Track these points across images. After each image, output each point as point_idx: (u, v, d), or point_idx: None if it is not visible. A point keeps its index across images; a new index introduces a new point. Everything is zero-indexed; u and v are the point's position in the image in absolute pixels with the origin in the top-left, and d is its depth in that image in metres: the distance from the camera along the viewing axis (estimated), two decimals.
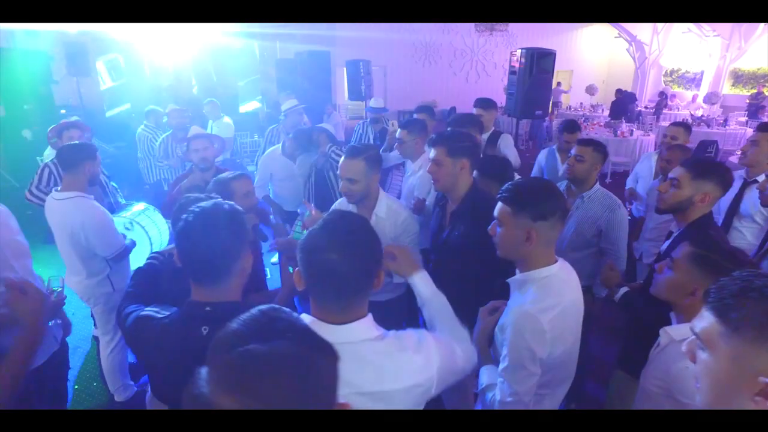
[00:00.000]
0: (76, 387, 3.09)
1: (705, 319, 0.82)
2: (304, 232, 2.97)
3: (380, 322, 1.11)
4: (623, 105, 10.61)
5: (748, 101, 10.73)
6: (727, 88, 12.30)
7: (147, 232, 3.20)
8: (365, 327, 1.06)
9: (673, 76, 13.45)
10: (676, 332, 1.34)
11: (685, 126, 3.48)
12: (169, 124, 5.05)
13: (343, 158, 2.09)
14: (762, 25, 10.91)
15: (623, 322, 2.49)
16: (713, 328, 0.80)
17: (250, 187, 2.42)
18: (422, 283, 1.38)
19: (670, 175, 2.00)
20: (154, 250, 2.91)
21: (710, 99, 11.28)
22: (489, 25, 12.66)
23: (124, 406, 2.86)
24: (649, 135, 8.45)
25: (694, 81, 12.99)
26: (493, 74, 13.18)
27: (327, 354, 0.72)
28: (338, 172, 2.13)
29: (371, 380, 1.02)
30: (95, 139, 4.41)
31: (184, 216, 1.24)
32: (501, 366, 1.35)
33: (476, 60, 13.04)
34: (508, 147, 3.56)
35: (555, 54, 4.93)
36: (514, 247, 1.38)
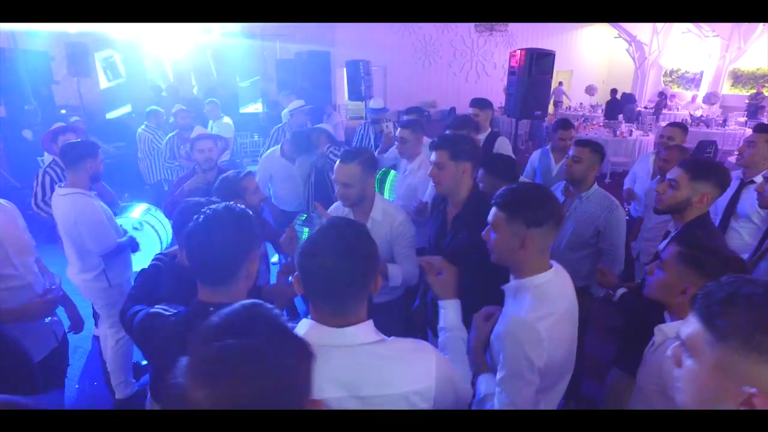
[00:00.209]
0: (76, 387, 3.09)
1: (691, 325, 0.81)
2: (305, 230, 2.98)
3: (377, 324, 1.11)
4: (618, 104, 10.62)
5: (747, 101, 10.74)
6: (726, 89, 12.31)
7: (157, 231, 3.24)
8: (364, 331, 1.06)
9: (673, 77, 13.47)
10: (670, 330, 1.35)
11: (681, 126, 3.49)
12: (176, 124, 5.08)
13: (338, 163, 2.08)
14: (761, 25, 10.91)
15: (621, 322, 2.49)
16: (699, 335, 0.79)
17: (257, 183, 2.54)
18: (454, 312, 1.45)
19: (669, 175, 2.00)
20: (163, 248, 2.95)
21: (710, 99, 11.30)
22: (489, 25, 12.67)
23: (124, 405, 2.87)
24: (648, 135, 8.45)
25: (694, 81, 13.01)
26: (492, 74, 13.19)
27: (301, 352, 0.73)
28: (333, 177, 2.11)
29: (369, 384, 1.02)
30: (93, 139, 4.41)
31: (195, 216, 1.26)
32: (498, 376, 1.34)
33: (476, 60, 13.05)
34: (505, 151, 3.56)
35: (554, 54, 4.94)
36: (508, 253, 1.37)
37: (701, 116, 9.95)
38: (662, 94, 11.44)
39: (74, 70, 6.86)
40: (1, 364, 1.48)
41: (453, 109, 11.66)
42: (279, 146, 3.90)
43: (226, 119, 6.12)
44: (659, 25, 12.36)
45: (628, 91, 12.60)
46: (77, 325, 2.31)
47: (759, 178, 2.67)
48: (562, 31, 13.41)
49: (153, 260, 1.76)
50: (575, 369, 1.47)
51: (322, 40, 9.69)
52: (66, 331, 2.30)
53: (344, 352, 1.03)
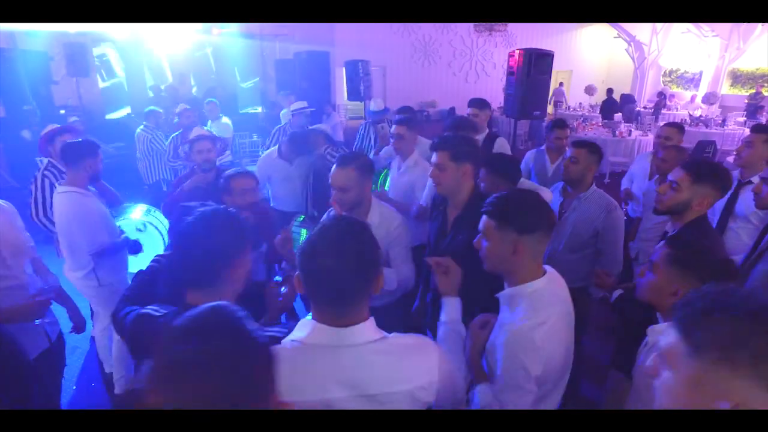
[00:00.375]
0: (74, 387, 3.09)
1: (670, 336, 0.79)
2: (303, 231, 2.97)
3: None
4: (614, 104, 10.63)
5: (746, 101, 10.75)
6: (725, 89, 12.33)
7: (161, 231, 3.25)
8: (367, 329, 1.05)
9: (672, 77, 13.48)
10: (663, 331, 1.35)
11: (678, 126, 3.49)
12: (180, 124, 5.09)
13: (334, 168, 2.06)
14: (761, 25, 10.93)
15: (618, 323, 2.50)
16: (676, 347, 0.77)
17: (249, 185, 2.43)
18: (454, 308, 1.48)
19: (670, 177, 1.99)
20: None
21: (709, 99, 11.31)
22: (488, 25, 12.66)
23: (123, 399, 2.84)
24: (647, 135, 8.46)
25: (693, 81, 13.02)
26: (492, 74, 13.18)
27: (261, 356, 0.74)
28: (329, 181, 2.09)
29: (377, 382, 1.02)
30: (92, 139, 4.40)
31: (185, 219, 1.27)
32: (496, 387, 1.33)
33: (475, 60, 13.04)
34: (504, 152, 3.56)
35: (552, 55, 4.95)
36: (500, 261, 1.37)
37: (700, 116, 9.96)
38: (661, 94, 11.46)
39: (73, 70, 6.86)
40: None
41: (452, 109, 11.65)
42: (276, 147, 3.90)
43: (225, 119, 6.11)
44: (658, 25, 12.37)
45: (627, 91, 12.63)
46: (79, 325, 2.30)
47: (756, 179, 2.67)
48: (562, 31, 13.41)
49: (152, 261, 1.76)
50: (574, 371, 1.47)
51: (321, 40, 9.67)
52: (68, 331, 2.29)
53: (350, 352, 1.02)
